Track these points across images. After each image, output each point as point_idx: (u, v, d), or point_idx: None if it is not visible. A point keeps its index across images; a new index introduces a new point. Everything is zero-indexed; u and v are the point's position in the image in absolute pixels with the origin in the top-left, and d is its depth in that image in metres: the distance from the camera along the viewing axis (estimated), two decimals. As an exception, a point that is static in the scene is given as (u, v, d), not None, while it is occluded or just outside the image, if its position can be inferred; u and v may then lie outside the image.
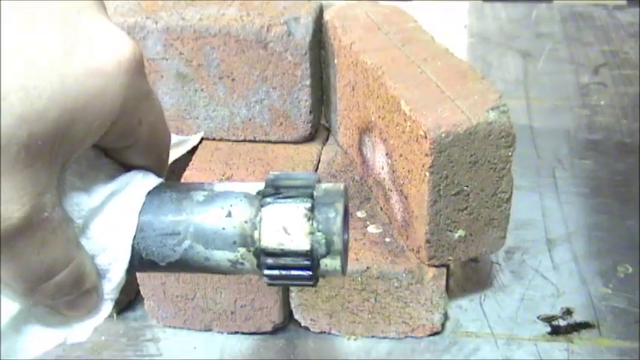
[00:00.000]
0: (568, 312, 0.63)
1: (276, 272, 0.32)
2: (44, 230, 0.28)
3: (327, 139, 0.74)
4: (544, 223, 0.74)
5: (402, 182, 0.57)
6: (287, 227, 0.31)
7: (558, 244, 0.71)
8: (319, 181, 0.33)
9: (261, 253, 0.31)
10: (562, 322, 0.62)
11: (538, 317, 0.63)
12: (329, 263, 0.31)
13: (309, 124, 0.70)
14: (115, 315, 0.64)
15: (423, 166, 0.52)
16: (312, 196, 0.31)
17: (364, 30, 0.65)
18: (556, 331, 0.61)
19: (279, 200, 0.31)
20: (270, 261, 0.31)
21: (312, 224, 0.31)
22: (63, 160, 0.28)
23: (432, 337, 0.61)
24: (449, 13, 1.24)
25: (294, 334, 0.62)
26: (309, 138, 0.71)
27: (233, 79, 0.67)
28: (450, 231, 0.56)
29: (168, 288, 0.60)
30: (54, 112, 0.26)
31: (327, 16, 0.68)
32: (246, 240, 0.31)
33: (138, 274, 0.60)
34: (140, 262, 0.33)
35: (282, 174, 0.32)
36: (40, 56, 0.26)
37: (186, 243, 0.32)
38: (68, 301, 0.32)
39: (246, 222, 0.31)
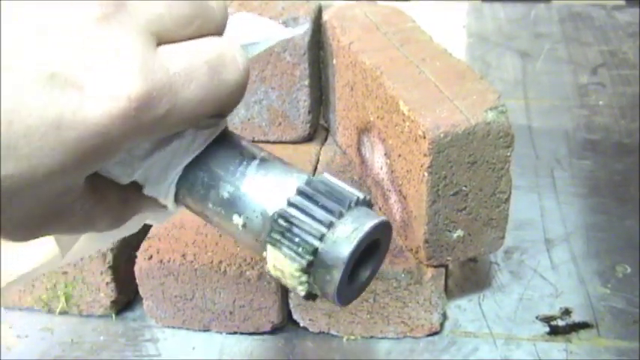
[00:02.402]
0: (567, 312, 0.63)
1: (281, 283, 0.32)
2: (81, 217, 0.29)
3: (325, 139, 0.74)
4: (543, 224, 0.74)
5: (400, 182, 0.57)
6: (284, 273, 0.31)
7: (557, 244, 0.71)
8: (362, 202, 0.31)
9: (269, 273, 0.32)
10: (561, 322, 0.62)
11: (537, 317, 0.63)
12: (323, 296, 0.31)
13: (308, 125, 0.70)
14: (113, 315, 0.64)
15: (421, 166, 0.52)
16: (314, 252, 0.29)
17: (363, 30, 0.65)
18: (555, 331, 0.61)
19: (284, 241, 0.30)
20: (271, 277, 0.33)
21: (309, 276, 0.30)
22: (81, 181, 0.28)
23: (430, 337, 0.61)
24: (447, 14, 1.24)
25: (292, 334, 0.62)
26: (308, 138, 0.71)
27: (232, 80, 0.67)
28: (449, 231, 0.56)
29: (167, 288, 0.60)
30: (57, 174, 0.25)
31: (325, 17, 0.68)
32: (257, 250, 0.32)
33: (137, 274, 0.60)
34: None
35: (312, 190, 0.30)
36: (30, 134, 0.24)
37: (214, 224, 0.33)
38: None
39: (257, 240, 0.32)
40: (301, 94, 0.68)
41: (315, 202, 0.30)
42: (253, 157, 0.33)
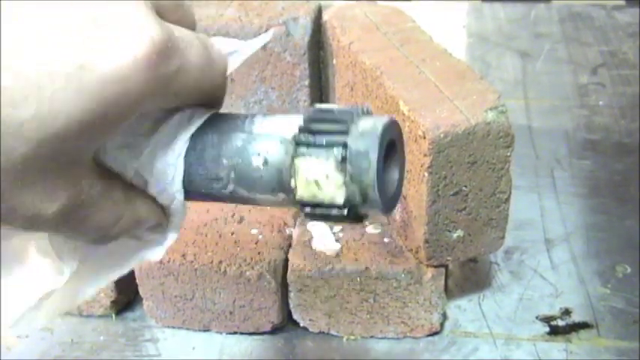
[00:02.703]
0: (567, 312, 0.63)
1: (315, 217, 0.32)
2: (85, 207, 0.29)
3: (325, 139, 0.74)
4: (543, 224, 0.74)
5: (400, 182, 0.57)
6: (319, 181, 0.30)
7: (557, 244, 0.71)
8: (366, 112, 0.31)
9: (298, 202, 0.31)
10: (561, 322, 0.62)
11: (537, 317, 0.63)
12: (369, 209, 0.31)
13: (308, 125, 0.70)
14: (113, 315, 0.64)
15: (421, 166, 0.52)
16: (345, 145, 0.30)
17: (363, 30, 0.65)
18: (555, 331, 0.61)
19: (310, 150, 0.30)
20: (307, 209, 0.31)
21: (345, 176, 0.30)
22: (96, 148, 0.29)
23: (430, 337, 0.61)
24: (447, 14, 1.24)
25: (292, 334, 0.62)
26: (308, 138, 0.71)
27: (232, 80, 0.67)
28: (449, 231, 0.56)
29: (167, 288, 0.60)
30: (75, 127, 0.25)
31: (325, 17, 0.68)
32: (284, 187, 0.32)
33: (137, 274, 0.60)
34: (197, 199, 0.34)
35: (321, 111, 0.31)
36: (56, 73, 0.25)
37: (231, 187, 0.33)
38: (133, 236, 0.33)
39: (281, 171, 0.31)
40: (301, 95, 0.68)
41: (329, 115, 0.31)
42: (254, 114, 0.34)
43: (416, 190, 0.55)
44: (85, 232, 0.30)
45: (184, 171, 0.33)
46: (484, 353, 0.59)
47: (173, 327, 0.63)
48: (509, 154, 0.54)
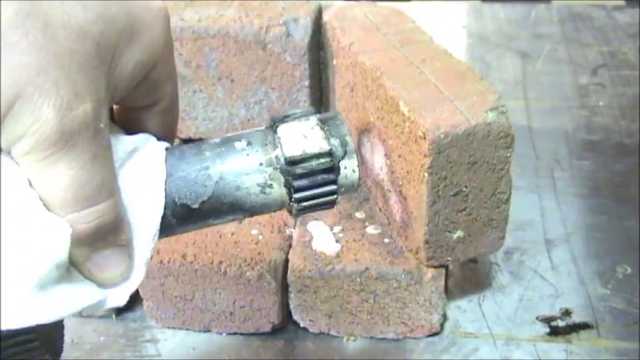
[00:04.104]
0: (567, 312, 0.63)
1: (304, 182, 0.35)
2: (98, 141, 0.29)
3: (326, 139, 0.74)
4: (543, 224, 0.74)
5: (400, 183, 0.57)
6: (306, 134, 0.34)
7: (557, 245, 0.71)
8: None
9: (288, 165, 0.34)
10: (561, 323, 0.62)
11: (537, 318, 0.63)
12: (347, 165, 0.35)
13: (308, 125, 0.70)
14: (113, 316, 0.64)
15: (421, 166, 0.52)
16: (315, 113, 0.36)
17: (363, 31, 0.65)
18: (555, 332, 0.61)
19: (289, 120, 0.35)
20: (298, 170, 0.34)
21: (325, 131, 0.35)
22: (115, 86, 0.31)
23: (430, 338, 0.61)
24: (447, 14, 1.24)
25: (293, 334, 0.62)
26: (308, 139, 0.71)
27: (232, 80, 0.67)
28: (449, 232, 0.56)
29: (167, 289, 0.60)
30: (121, 22, 0.30)
31: (325, 17, 0.68)
32: (271, 159, 0.34)
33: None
34: (174, 208, 0.33)
35: (282, 114, 0.36)
36: None
37: (217, 175, 0.34)
38: (101, 257, 0.31)
39: (266, 144, 0.35)
40: (301, 95, 0.68)
41: (290, 112, 0.36)
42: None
43: (416, 190, 0.55)
44: (83, 179, 0.29)
45: (166, 172, 0.33)
46: (484, 354, 0.59)
47: (173, 327, 0.63)
48: (509, 154, 0.54)
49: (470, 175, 0.53)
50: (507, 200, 0.56)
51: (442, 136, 0.51)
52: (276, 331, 0.62)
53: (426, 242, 0.56)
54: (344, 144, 0.35)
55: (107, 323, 0.64)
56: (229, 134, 0.36)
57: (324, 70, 0.71)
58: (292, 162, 0.34)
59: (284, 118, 0.35)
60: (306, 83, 0.68)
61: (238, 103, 0.69)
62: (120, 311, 0.64)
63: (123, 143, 0.33)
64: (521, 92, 0.99)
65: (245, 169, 0.34)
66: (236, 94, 0.68)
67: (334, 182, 0.35)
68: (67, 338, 0.62)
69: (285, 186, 0.35)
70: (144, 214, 0.32)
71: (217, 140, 0.35)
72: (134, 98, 0.34)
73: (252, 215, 0.36)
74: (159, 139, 0.35)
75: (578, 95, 0.98)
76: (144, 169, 0.33)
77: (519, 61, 1.07)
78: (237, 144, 0.34)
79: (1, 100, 0.26)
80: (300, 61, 0.66)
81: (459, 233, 0.56)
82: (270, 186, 0.34)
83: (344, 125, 0.36)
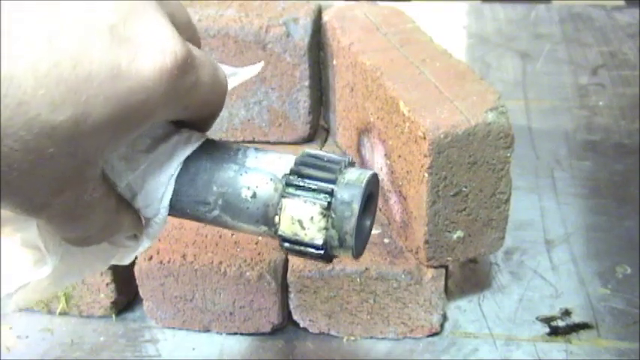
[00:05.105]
0: (567, 313, 0.63)
1: (294, 252, 0.34)
2: (83, 208, 0.30)
3: (325, 139, 0.74)
4: (543, 224, 0.74)
5: (400, 183, 0.57)
6: (303, 222, 0.33)
7: (557, 245, 0.71)
8: (350, 164, 0.34)
9: (279, 237, 0.33)
10: (561, 323, 0.62)
11: (537, 318, 0.63)
12: (341, 253, 0.34)
13: (308, 125, 0.70)
14: (114, 316, 0.64)
15: (421, 166, 0.52)
16: (331, 193, 0.32)
17: (363, 31, 0.65)
18: (555, 332, 0.61)
19: (299, 192, 0.33)
20: (286, 245, 0.33)
21: (327, 221, 0.32)
22: (110, 151, 0.30)
23: (430, 338, 0.61)
24: (447, 14, 1.24)
25: (292, 335, 0.62)
26: (308, 139, 0.71)
27: (232, 80, 0.67)
28: (449, 232, 0.56)
29: (167, 289, 0.60)
30: (100, 129, 0.27)
31: (325, 17, 0.68)
32: (268, 221, 0.34)
33: (137, 275, 0.60)
34: (179, 216, 0.36)
35: (311, 156, 0.34)
36: (91, 80, 0.26)
37: (216, 212, 0.34)
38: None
39: (268, 206, 0.33)
40: (301, 95, 0.68)
41: (319, 162, 0.34)
42: (247, 147, 0.36)
43: (416, 190, 0.55)
44: (73, 230, 0.32)
45: (174, 191, 0.34)
46: (484, 354, 0.59)
47: (173, 328, 0.63)
48: (509, 154, 0.54)
49: (470, 176, 0.53)
50: (507, 200, 0.56)
51: (442, 136, 0.51)
52: (276, 332, 0.62)
53: (426, 242, 0.56)
54: (342, 240, 0.33)
55: (107, 323, 0.64)
56: (251, 163, 0.34)
57: (324, 71, 0.71)
58: (283, 239, 0.33)
59: (299, 181, 0.33)
60: (306, 83, 0.68)
61: (238, 103, 0.69)
62: (120, 311, 0.64)
63: (137, 162, 0.34)
64: (521, 92, 0.99)
65: (243, 218, 0.34)
66: (236, 94, 0.68)
67: (322, 260, 0.34)
68: (67, 338, 0.62)
69: (274, 238, 0.35)
70: (155, 214, 0.35)
71: (232, 173, 0.34)
72: None
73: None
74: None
75: (578, 95, 0.98)
76: (154, 188, 0.34)
77: (519, 61, 1.07)
78: (244, 191, 0.34)
79: None
80: (300, 62, 0.66)
81: (458, 233, 0.56)
82: (264, 235, 0.35)
83: (354, 217, 0.32)
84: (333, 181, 0.33)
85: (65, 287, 0.62)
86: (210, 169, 0.35)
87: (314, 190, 0.33)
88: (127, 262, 0.38)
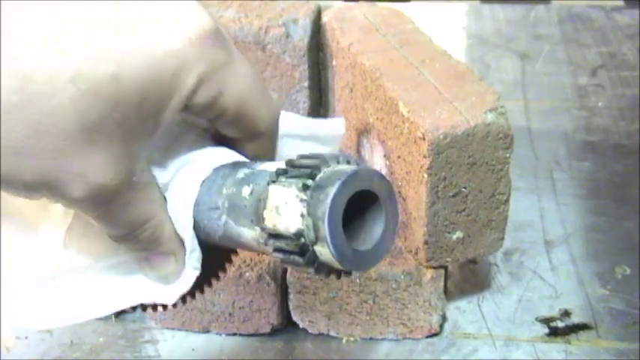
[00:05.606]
0: (566, 313, 0.63)
1: (280, 256, 0.31)
2: (131, 191, 0.32)
3: (325, 140, 0.74)
4: (542, 225, 0.74)
5: (400, 184, 0.57)
6: (279, 207, 0.30)
7: (556, 246, 0.71)
8: (350, 161, 0.31)
9: (266, 237, 0.31)
10: (560, 324, 0.62)
11: (536, 318, 0.63)
12: (323, 252, 0.29)
13: (308, 126, 0.70)
14: (113, 316, 0.64)
15: (421, 167, 0.52)
16: (312, 177, 0.29)
17: (362, 32, 0.65)
18: (554, 333, 0.61)
19: (282, 179, 0.30)
20: (270, 242, 0.31)
21: (302, 206, 0.29)
22: (150, 132, 0.31)
23: (430, 339, 0.61)
24: (447, 15, 1.24)
25: (292, 335, 0.62)
26: (308, 139, 0.71)
27: (231, 81, 0.67)
28: (448, 232, 0.56)
29: (167, 289, 0.60)
30: (136, 97, 0.29)
31: (325, 18, 0.68)
32: (259, 218, 0.31)
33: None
34: (203, 234, 0.35)
35: (313, 154, 0.31)
36: (116, 47, 0.28)
37: (224, 218, 0.33)
38: (147, 258, 0.35)
39: (259, 200, 0.31)
40: (301, 96, 0.68)
41: (315, 156, 0.31)
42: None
43: (415, 191, 0.55)
44: (118, 219, 0.32)
45: (195, 200, 0.34)
46: (483, 354, 0.59)
47: (172, 328, 0.63)
48: (508, 155, 0.54)
49: (469, 176, 0.53)
50: (506, 201, 0.56)
51: (441, 136, 0.51)
52: (275, 332, 0.62)
53: (426, 243, 0.56)
54: (316, 228, 0.29)
55: (107, 324, 0.64)
56: (261, 166, 0.34)
57: (324, 71, 0.71)
58: (268, 234, 0.31)
59: (286, 170, 0.31)
60: (306, 84, 0.68)
61: (238, 104, 0.69)
62: (119, 312, 0.64)
63: (169, 169, 0.34)
64: (521, 93, 0.99)
65: (243, 220, 0.32)
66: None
67: (308, 265, 0.30)
68: (66, 339, 0.62)
69: (272, 254, 0.31)
70: (182, 231, 0.35)
71: (242, 175, 0.33)
72: (192, 116, 0.34)
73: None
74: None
75: (577, 96, 0.98)
76: (178, 196, 0.34)
77: (519, 61, 1.07)
78: (245, 189, 0.32)
79: (33, 193, 0.29)
80: (299, 62, 0.66)
81: (458, 234, 0.56)
82: (264, 243, 0.32)
83: (328, 200, 0.28)
84: (318, 168, 0.30)
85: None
86: (226, 175, 0.34)
87: (296, 177, 0.30)
88: (169, 301, 0.36)
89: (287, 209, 0.29)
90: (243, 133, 0.36)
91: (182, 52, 0.30)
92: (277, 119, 0.37)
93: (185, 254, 0.35)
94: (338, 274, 0.31)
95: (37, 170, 0.28)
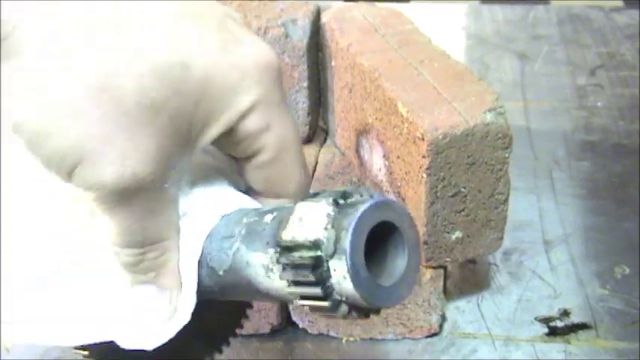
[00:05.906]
0: (565, 313, 0.63)
1: (288, 275, 0.29)
2: (158, 198, 0.31)
3: (324, 140, 0.74)
4: (541, 225, 0.74)
5: (399, 184, 0.58)
6: (303, 219, 0.29)
7: (555, 246, 0.71)
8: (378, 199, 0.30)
9: (280, 251, 0.29)
10: (559, 323, 0.62)
11: (535, 318, 0.63)
12: (337, 267, 0.27)
13: (307, 126, 0.70)
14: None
15: (420, 167, 0.53)
16: (345, 197, 0.29)
17: (361, 32, 0.65)
18: (553, 332, 0.61)
19: (312, 199, 0.29)
20: (283, 259, 0.29)
21: (328, 220, 0.28)
22: (193, 144, 0.31)
23: (429, 339, 0.61)
24: (446, 15, 1.24)
25: (292, 335, 0.62)
26: (307, 140, 0.72)
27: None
28: (448, 232, 0.56)
29: (166, 290, 0.60)
30: (197, 94, 0.30)
31: (324, 18, 0.69)
32: (275, 239, 0.30)
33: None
34: (206, 270, 0.33)
35: (344, 190, 0.30)
36: (201, 44, 0.30)
37: (236, 245, 0.32)
38: (144, 283, 0.34)
39: (280, 222, 0.30)
40: (300, 96, 0.68)
41: (348, 188, 0.30)
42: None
43: (415, 191, 0.55)
44: (134, 224, 0.31)
45: (208, 234, 0.33)
46: (483, 354, 0.59)
47: (172, 329, 0.63)
48: (507, 155, 0.54)
49: (468, 176, 0.54)
50: (506, 201, 0.56)
51: (440, 137, 0.51)
52: (275, 332, 0.62)
53: (425, 243, 0.56)
54: (337, 239, 0.27)
55: (106, 324, 0.64)
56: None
57: (323, 72, 0.71)
58: (282, 248, 0.29)
59: (317, 194, 0.30)
60: (305, 84, 0.68)
61: (237, 105, 0.69)
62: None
63: (188, 200, 0.34)
64: (520, 93, 0.99)
65: (257, 245, 0.31)
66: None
67: (318, 285, 0.28)
68: (66, 339, 0.62)
69: (280, 277, 0.29)
70: (185, 264, 0.33)
71: (267, 209, 0.32)
72: (233, 144, 0.33)
73: (274, 301, 0.33)
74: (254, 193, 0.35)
75: (576, 96, 0.98)
76: (192, 225, 0.33)
77: (518, 62, 1.07)
78: (267, 217, 0.31)
79: (65, 161, 0.29)
80: (298, 63, 0.66)
81: (457, 234, 0.56)
82: (272, 270, 0.30)
83: (357, 214, 0.27)
84: (350, 192, 0.29)
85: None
86: (249, 211, 0.33)
87: (327, 196, 0.29)
88: (163, 339, 0.34)
89: (311, 220, 0.28)
90: (270, 187, 0.35)
91: (246, 71, 0.31)
92: (306, 189, 0.35)
93: (180, 298, 0.33)
94: (349, 308, 0.30)
95: (82, 132, 0.28)
